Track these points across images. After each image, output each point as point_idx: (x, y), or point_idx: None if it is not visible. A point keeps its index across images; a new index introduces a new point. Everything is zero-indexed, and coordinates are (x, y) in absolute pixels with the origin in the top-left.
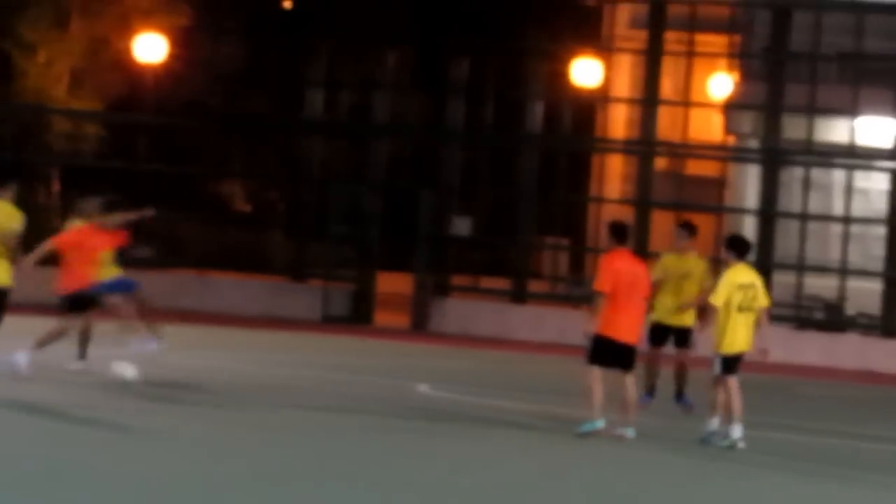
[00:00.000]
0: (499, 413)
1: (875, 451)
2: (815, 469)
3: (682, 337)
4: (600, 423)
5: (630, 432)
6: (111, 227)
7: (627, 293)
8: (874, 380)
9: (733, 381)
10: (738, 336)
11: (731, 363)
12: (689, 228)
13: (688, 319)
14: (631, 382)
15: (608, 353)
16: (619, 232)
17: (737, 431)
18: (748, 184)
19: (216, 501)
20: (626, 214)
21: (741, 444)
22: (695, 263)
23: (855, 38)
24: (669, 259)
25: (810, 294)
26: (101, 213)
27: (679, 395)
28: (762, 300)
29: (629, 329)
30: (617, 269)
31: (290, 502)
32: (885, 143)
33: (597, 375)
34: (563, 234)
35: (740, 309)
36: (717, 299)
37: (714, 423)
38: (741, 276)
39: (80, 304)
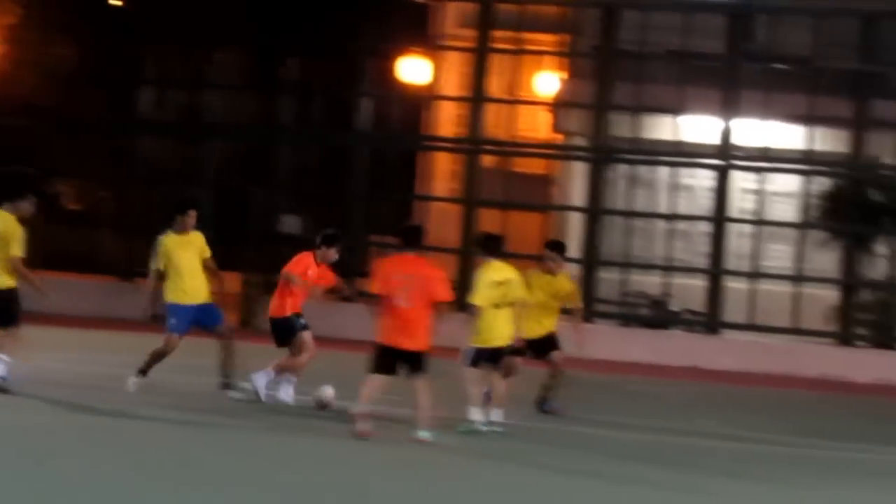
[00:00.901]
0: (320, 411)
1: (701, 446)
2: (640, 467)
3: (546, 344)
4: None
5: (425, 434)
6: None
7: (404, 297)
8: (700, 376)
9: (493, 371)
10: (496, 332)
11: (492, 357)
12: (560, 248)
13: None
14: (422, 386)
15: (389, 360)
16: (404, 235)
17: (497, 415)
18: (575, 181)
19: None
20: (454, 213)
21: (499, 429)
22: (564, 282)
23: (682, 37)
24: (538, 280)
25: (636, 291)
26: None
27: (542, 400)
28: (519, 293)
29: (408, 335)
30: (388, 272)
31: (98, 501)
32: (711, 141)
33: (376, 383)
34: (391, 232)
35: (497, 305)
36: (478, 300)
37: (497, 412)
38: (496, 274)
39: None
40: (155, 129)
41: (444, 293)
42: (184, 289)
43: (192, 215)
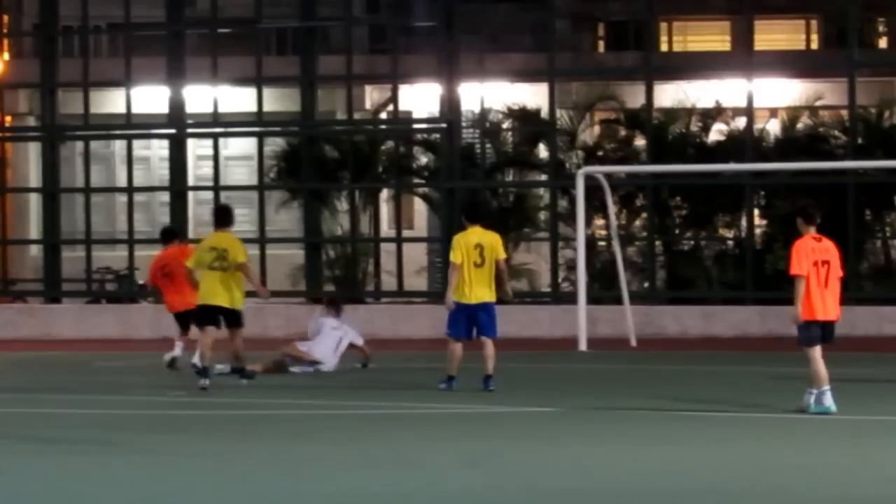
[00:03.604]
0: None
1: (170, 417)
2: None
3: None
4: None
5: None
6: None
7: None
8: (171, 347)
9: None
10: None
11: None
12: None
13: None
14: None
15: None
16: None
17: None
18: (29, 162)
19: None
20: None
21: None
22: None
23: (122, 9)
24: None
25: (101, 267)
26: None
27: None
28: None
29: None
30: None
31: None
32: (162, 110)
33: None
34: None
35: None
36: None
37: None
38: None
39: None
40: None
41: None
42: None
43: None
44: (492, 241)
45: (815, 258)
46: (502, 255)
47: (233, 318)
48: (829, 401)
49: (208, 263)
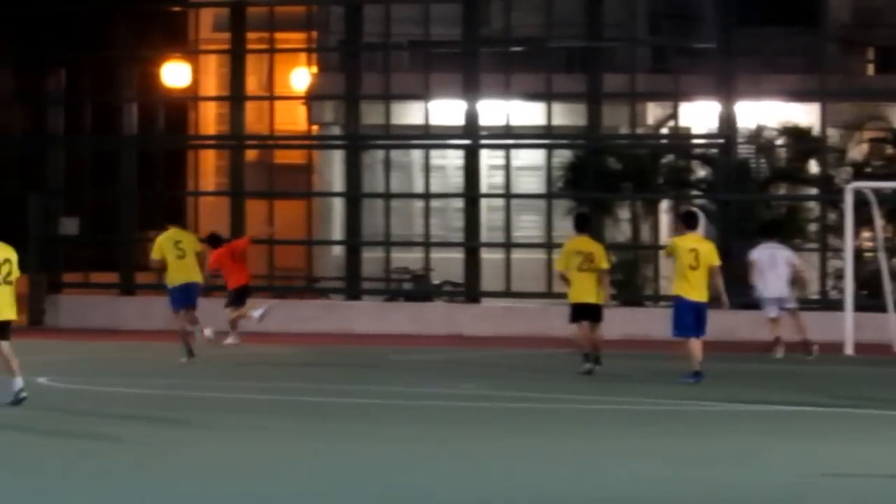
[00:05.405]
0: (112, 397)
1: (463, 408)
2: (412, 429)
3: None
4: None
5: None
6: None
7: None
8: (462, 342)
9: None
10: None
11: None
12: None
13: None
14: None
15: None
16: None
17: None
18: (334, 169)
19: None
20: (222, 205)
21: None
22: None
23: (422, 27)
24: None
25: (399, 267)
26: None
27: None
28: None
29: None
30: None
31: None
32: (458, 122)
33: None
34: (165, 227)
35: None
36: None
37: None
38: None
39: None
40: None
41: None
42: None
43: None
44: None
45: None
46: None
47: (598, 313)
48: None
49: (577, 266)
